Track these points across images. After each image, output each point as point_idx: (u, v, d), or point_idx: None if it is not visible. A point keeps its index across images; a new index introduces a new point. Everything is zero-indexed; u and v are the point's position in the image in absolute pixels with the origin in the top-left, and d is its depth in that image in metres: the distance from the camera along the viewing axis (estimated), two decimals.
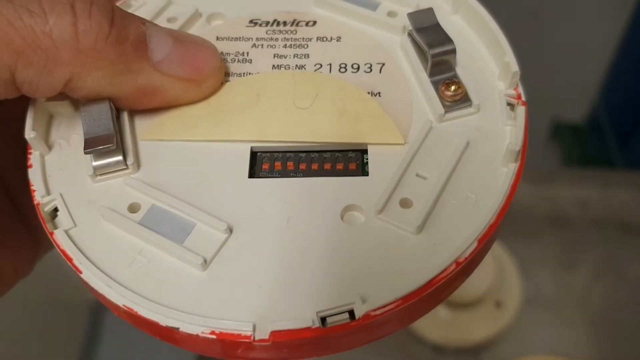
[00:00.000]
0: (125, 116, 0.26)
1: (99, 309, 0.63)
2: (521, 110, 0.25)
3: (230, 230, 0.24)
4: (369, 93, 0.27)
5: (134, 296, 0.22)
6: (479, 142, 0.25)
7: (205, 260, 0.23)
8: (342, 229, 0.24)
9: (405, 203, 0.24)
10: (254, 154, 0.26)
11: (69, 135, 0.26)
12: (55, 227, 0.24)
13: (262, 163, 0.26)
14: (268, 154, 0.26)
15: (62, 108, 0.26)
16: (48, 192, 0.25)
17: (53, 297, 0.56)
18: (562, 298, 0.64)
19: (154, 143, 0.26)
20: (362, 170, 0.26)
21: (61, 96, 0.25)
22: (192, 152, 0.26)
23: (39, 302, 0.54)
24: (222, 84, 0.27)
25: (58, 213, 0.25)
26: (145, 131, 0.26)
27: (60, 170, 0.26)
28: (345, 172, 0.25)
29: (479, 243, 0.23)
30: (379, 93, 0.27)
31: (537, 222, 0.67)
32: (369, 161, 0.25)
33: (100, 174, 0.25)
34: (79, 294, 0.58)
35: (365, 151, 0.26)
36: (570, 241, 0.67)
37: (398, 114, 0.26)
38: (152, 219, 0.24)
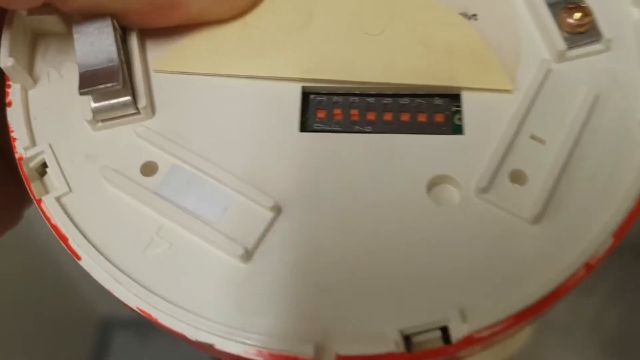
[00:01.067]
0: (134, 39, 0.19)
1: (107, 326, 0.57)
2: None
3: (278, 208, 0.17)
4: (463, 15, 0.20)
5: (151, 296, 0.17)
6: (610, 94, 0.19)
7: (246, 250, 0.17)
8: (430, 210, 0.18)
9: (517, 177, 0.18)
10: (305, 96, 0.19)
11: (61, 62, 0.20)
12: (44, 192, 0.18)
13: (316, 110, 0.19)
14: (325, 98, 0.19)
15: (50, 24, 0.20)
16: (33, 142, 0.19)
17: (58, 311, 0.51)
18: (576, 322, 0.60)
19: (173, 77, 0.19)
20: (452, 125, 0.19)
21: (48, 8, 0.19)
22: (223, 91, 0.19)
23: (42, 318, 0.49)
24: None
25: (47, 170, 0.18)
26: (161, 60, 0.20)
27: (48, 110, 0.19)
28: (430, 127, 0.19)
29: (615, 238, 0.17)
30: (474, 16, 0.20)
31: None
32: (464, 113, 0.19)
33: (103, 120, 0.19)
34: (87, 307, 0.53)
35: (456, 98, 0.19)
36: None
37: (501, 47, 0.20)
38: (174, 186, 0.18)
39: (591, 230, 0.17)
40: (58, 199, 0.18)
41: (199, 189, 0.18)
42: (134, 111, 0.18)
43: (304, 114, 0.19)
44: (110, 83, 0.17)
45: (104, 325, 0.56)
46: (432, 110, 0.19)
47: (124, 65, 0.18)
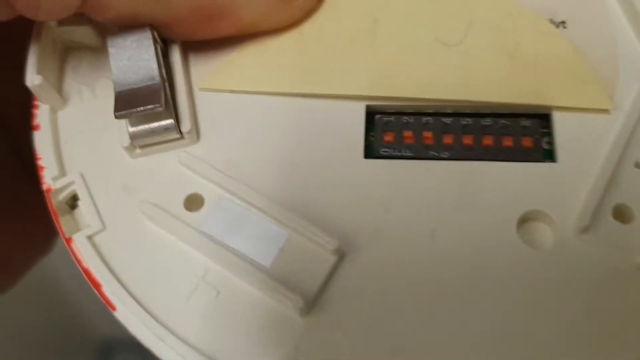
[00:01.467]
0: (176, 53, 0.17)
1: (108, 347, 0.54)
2: None
3: (342, 250, 0.15)
4: (550, 22, 0.17)
5: (198, 357, 0.14)
6: None
7: (306, 301, 0.14)
8: (519, 253, 0.15)
9: (621, 213, 0.15)
10: (370, 116, 0.17)
11: (95, 78, 0.18)
12: (75, 229, 0.16)
13: (383, 132, 0.17)
14: (392, 118, 0.17)
15: (83, 37, 0.18)
16: (63, 172, 0.17)
17: (59, 331, 0.48)
18: None
19: (220, 96, 0.17)
20: (542, 150, 0.16)
21: (80, 18, 0.17)
22: (275, 112, 0.17)
23: (43, 338, 0.47)
24: (322, 2, 0.18)
25: (79, 203, 0.16)
26: (207, 78, 0.17)
27: (81, 134, 0.17)
28: (517, 153, 0.16)
29: None
30: (563, 23, 0.17)
31: None
32: (556, 137, 0.16)
33: (142, 146, 0.16)
34: (88, 328, 0.50)
35: (545, 118, 0.16)
36: None
37: (596, 58, 0.17)
38: (222, 222, 0.16)
39: None
40: (90, 238, 0.16)
41: (250, 226, 0.15)
42: (177, 136, 0.16)
43: (369, 137, 0.17)
44: (151, 105, 0.15)
45: (105, 346, 0.53)
46: (519, 132, 0.17)
47: (166, 84, 0.16)
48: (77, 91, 0.18)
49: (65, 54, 0.18)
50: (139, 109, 0.15)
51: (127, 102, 0.15)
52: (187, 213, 0.16)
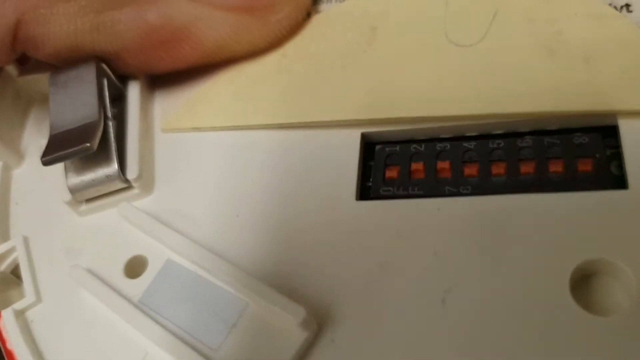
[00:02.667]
0: (135, 90, 0.14)
1: None
2: None
3: (316, 324, 0.11)
4: (610, 6, 0.13)
5: None
6: None
7: None
8: (578, 323, 0.10)
9: None
10: (369, 147, 0.13)
11: None
12: (6, 303, 0.13)
13: (385, 165, 0.13)
14: (397, 147, 0.13)
15: (42, 86, 0.15)
16: (7, 236, 0.14)
17: None
18: None
19: (186, 137, 0.14)
20: (607, 174, 0.11)
21: (40, 66, 0.15)
22: (250, 151, 0.13)
23: None
24: (309, 15, 0.14)
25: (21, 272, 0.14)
26: (173, 116, 0.14)
27: (32, 192, 0.15)
28: (571, 182, 0.12)
29: None
30: (627, 6, 0.13)
31: None
32: (626, 154, 0.11)
33: (88, 200, 0.13)
34: None
35: (612, 130, 0.12)
36: None
37: None
38: (166, 291, 0.12)
39: None
40: (21, 313, 0.13)
41: (198, 295, 0.12)
42: (123, 185, 0.13)
43: (365, 173, 0.13)
44: (78, 146, 0.12)
45: None
46: (573, 153, 0.12)
47: (109, 123, 0.13)
48: (37, 147, 0.15)
49: (27, 108, 0.16)
50: (67, 151, 0.12)
51: (59, 145, 0.13)
52: (126, 280, 0.12)
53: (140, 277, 0.12)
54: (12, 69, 0.15)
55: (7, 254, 0.14)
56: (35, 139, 0.15)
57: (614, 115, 0.12)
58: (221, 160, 0.13)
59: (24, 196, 0.15)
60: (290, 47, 0.14)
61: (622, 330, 0.10)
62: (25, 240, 0.14)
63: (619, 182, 0.11)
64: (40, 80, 0.15)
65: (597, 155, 0.12)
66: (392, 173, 0.13)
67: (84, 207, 0.14)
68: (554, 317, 0.10)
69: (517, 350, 0.10)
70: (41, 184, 0.15)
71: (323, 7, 0.15)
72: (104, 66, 0.14)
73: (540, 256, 0.11)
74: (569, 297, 0.10)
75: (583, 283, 0.11)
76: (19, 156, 0.15)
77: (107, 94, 0.13)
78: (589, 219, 0.11)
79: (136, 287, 0.12)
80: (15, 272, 0.14)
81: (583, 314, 0.10)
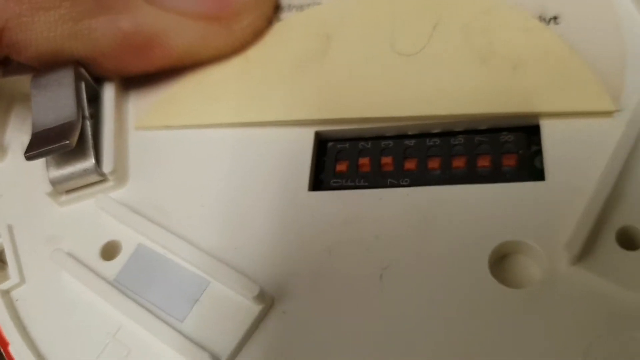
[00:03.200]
0: (110, 91, 0.16)
1: None
2: None
3: (270, 297, 0.12)
4: (539, 19, 0.14)
5: None
6: None
7: None
8: (495, 295, 0.12)
9: (628, 238, 0.11)
10: (321, 144, 0.14)
11: None
12: None
13: (335, 160, 0.14)
14: (347, 144, 0.14)
15: (23, 86, 0.16)
16: None
17: None
18: None
19: (157, 134, 0.15)
20: (529, 167, 0.13)
21: (22, 67, 0.16)
22: (215, 147, 0.15)
23: None
24: (270, 23, 0.16)
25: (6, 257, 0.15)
26: (144, 115, 0.16)
27: (16, 185, 0.16)
28: (497, 175, 0.13)
29: None
30: (555, 18, 0.14)
31: None
32: (545, 150, 0.13)
33: (67, 191, 0.15)
34: None
35: (534, 130, 0.13)
36: None
37: (597, 54, 0.14)
38: (137, 272, 0.13)
39: None
40: (6, 293, 0.14)
41: (168, 275, 0.13)
42: (99, 178, 0.14)
43: (319, 166, 0.14)
44: (60, 142, 0.14)
45: None
46: (499, 150, 0.13)
47: (87, 122, 0.15)
48: (20, 143, 0.16)
49: (10, 105, 0.17)
50: (47, 147, 0.14)
51: (41, 142, 0.14)
52: (102, 262, 0.14)
53: (115, 260, 0.14)
54: None
55: None
56: (17, 135, 0.17)
57: (536, 116, 0.13)
58: (188, 156, 0.15)
59: (8, 188, 0.16)
60: (253, 52, 0.16)
61: (535, 299, 0.11)
62: (10, 228, 0.15)
63: (539, 174, 0.13)
64: (21, 81, 0.16)
65: (520, 152, 0.13)
66: (341, 167, 0.14)
67: (64, 197, 0.15)
68: (475, 290, 0.12)
69: (443, 317, 0.12)
70: (24, 177, 0.16)
71: (284, 15, 0.16)
72: (82, 70, 0.15)
73: (465, 238, 0.12)
74: (488, 272, 0.12)
75: (502, 261, 0.12)
76: (2, 151, 0.16)
77: (84, 95, 0.15)
78: (508, 206, 0.12)
79: (111, 268, 0.14)
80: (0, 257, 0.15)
81: (500, 288, 0.12)
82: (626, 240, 0.11)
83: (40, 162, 0.15)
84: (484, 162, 0.13)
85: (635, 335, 0.11)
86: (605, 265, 0.11)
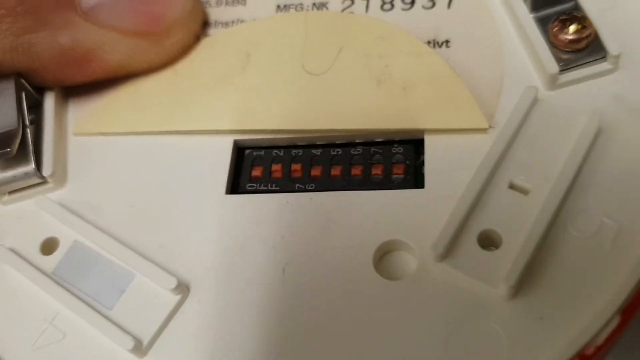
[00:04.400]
0: (51, 99, 0.17)
1: None
2: None
3: (186, 288, 0.14)
4: (429, 43, 0.16)
5: None
6: (619, 124, 0.15)
7: (140, 343, 0.14)
8: (376, 286, 0.14)
9: (488, 239, 0.14)
10: (239, 151, 0.16)
11: None
12: None
13: (251, 166, 0.16)
14: (262, 152, 0.16)
15: None
16: None
17: None
18: None
19: (93, 140, 0.17)
20: (414, 177, 0.15)
21: None
22: (145, 153, 0.17)
23: None
24: (198, 39, 0.18)
25: None
26: (82, 121, 0.17)
27: None
28: (387, 182, 0.15)
29: (623, 317, 0.12)
30: (447, 42, 0.16)
31: None
32: (427, 162, 0.15)
33: (9, 192, 0.16)
34: None
35: (419, 143, 0.15)
36: None
37: (478, 76, 0.16)
38: (73, 265, 0.15)
39: (589, 306, 0.13)
40: None
41: (99, 268, 0.15)
42: (39, 180, 0.16)
43: (236, 171, 0.16)
44: (1, 150, 0.15)
45: None
46: (390, 160, 0.16)
47: (27, 130, 0.16)
48: None
49: None
50: None
51: None
52: (41, 257, 0.15)
53: (53, 254, 0.15)
54: None
55: None
56: None
57: (422, 132, 0.15)
58: (121, 160, 0.16)
59: None
60: (181, 66, 0.17)
61: (407, 290, 0.13)
62: None
63: (422, 182, 0.15)
64: None
65: (408, 162, 0.15)
66: (256, 172, 0.16)
67: (6, 197, 0.16)
68: (359, 280, 0.14)
69: (334, 308, 0.14)
70: None
71: (211, 31, 0.18)
72: (22, 80, 0.16)
73: (356, 236, 0.14)
74: (371, 265, 0.14)
75: (386, 256, 0.14)
76: None
77: (24, 105, 0.16)
78: (393, 209, 0.15)
79: (50, 262, 0.15)
80: None
81: (379, 278, 0.14)
82: (486, 242, 0.14)
83: None
84: (377, 171, 0.15)
85: (490, 324, 0.13)
86: (467, 263, 0.13)
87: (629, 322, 0.13)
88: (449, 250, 0.13)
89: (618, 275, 0.13)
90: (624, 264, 0.13)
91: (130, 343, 0.13)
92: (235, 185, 0.16)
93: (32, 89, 0.17)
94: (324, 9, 0.18)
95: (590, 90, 0.15)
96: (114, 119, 0.17)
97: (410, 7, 0.17)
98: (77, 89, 0.18)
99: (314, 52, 0.16)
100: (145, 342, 0.14)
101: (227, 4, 0.18)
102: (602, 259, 0.13)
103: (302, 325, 0.14)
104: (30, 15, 0.15)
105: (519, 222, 0.13)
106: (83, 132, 0.17)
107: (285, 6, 0.18)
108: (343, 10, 0.17)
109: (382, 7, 0.17)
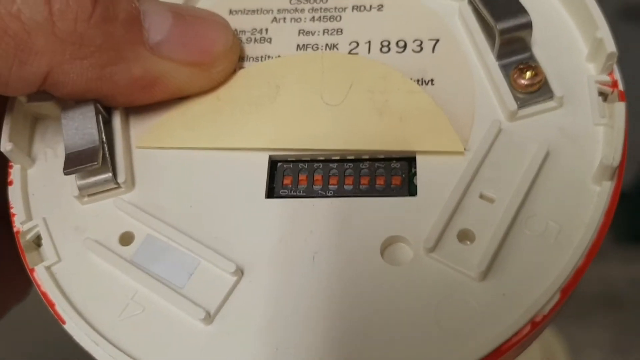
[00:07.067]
0: (117, 118, 0.21)
1: None
2: (620, 106, 0.19)
3: (240, 271, 0.19)
4: (418, 81, 0.21)
5: (126, 358, 0.18)
6: (562, 150, 0.20)
7: (208, 313, 0.18)
8: (382, 270, 0.19)
9: (465, 236, 0.19)
10: (273, 164, 0.21)
11: (57, 142, 0.22)
12: (39, 262, 0.20)
13: (283, 176, 0.21)
14: (291, 165, 0.21)
15: (47, 109, 0.22)
16: (30, 217, 0.21)
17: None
18: None
19: (153, 152, 0.21)
20: (408, 187, 0.20)
21: (44, 95, 0.21)
22: (197, 163, 0.21)
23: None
24: (236, 70, 0.22)
25: (42, 242, 0.21)
26: (142, 137, 0.21)
27: (45, 187, 0.21)
28: (387, 190, 0.20)
29: (562, 294, 0.18)
30: (432, 81, 0.21)
31: (589, 303, 0.60)
32: (418, 176, 0.20)
33: (89, 195, 0.20)
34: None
35: (412, 161, 0.20)
36: (625, 323, 0.61)
37: (456, 110, 0.20)
38: (148, 254, 0.20)
39: (538, 286, 0.18)
40: (48, 268, 0.20)
41: (169, 256, 0.19)
42: (114, 186, 0.20)
43: (272, 180, 0.21)
44: (90, 163, 0.19)
45: None
46: (390, 173, 0.20)
47: (105, 146, 0.20)
48: (43, 153, 0.22)
49: (34, 124, 0.22)
50: (81, 166, 0.19)
51: (74, 162, 0.20)
52: (121, 247, 0.20)
53: (131, 245, 0.20)
54: (22, 97, 0.22)
55: (31, 229, 0.21)
56: (41, 147, 0.22)
57: (413, 152, 0.20)
58: (178, 170, 0.21)
59: (38, 189, 0.21)
60: (222, 92, 0.22)
61: (405, 273, 0.18)
62: (44, 220, 0.21)
63: (414, 191, 0.20)
64: (41, 106, 0.22)
65: (403, 175, 0.20)
66: (287, 181, 0.21)
67: (86, 199, 0.21)
68: (370, 266, 0.18)
69: (351, 286, 0.18)
70: (50, 181, 0.21)
71: (245, 64, 0.22)
72: (98, 105, 0.20)
73: (367, 232, 0.19)
74: (378, 254, 0.19)
75: (389, 247, 0.19)
76: (31, 160, 0.22)
77: (102, 125, 0.20)
78: (394, 212, 0.19)
79: (128, 251, 0.19)
80: (35, 242, 0.21)
81: (385, 265, 0.19)
82: (463, 238, 0.19)
83: (60, 170, 0.21)
84: (380, 182, 0.20)
85: (466, 298, 0.18)
86: (449, 254, 0.18)
87: (566, 298, 0.18)
88: (436, 244, 0.18)
89: (559, 264, 0.18)
90: (563, 256, 0.18)
91: (202, 313, 0.18)
92: (271, 191, 0.20)
93: (104, 112, 0.21)
94: (335, 49, 0.22)
95: (540, 123, 0.20)
96: (169, 135, 0.21)
97: (403, 51, 0.22)
98: (135, 109, 0.22)
99: (330, 87, 0.21)
100: (212, 312, 0.18)
101: (255, 41, 0.23)
102: (548, 251, 0.18)
103: (328, 298, 0.18)
104: (112, 51, 0.19)
105: (487, 223, 0.19)
106: (144, 146, 0.21)
107: (304, 45, 0.22)
108: (350, 51, 0.22)
109: (380, 50, 0.22)
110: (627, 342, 0.60)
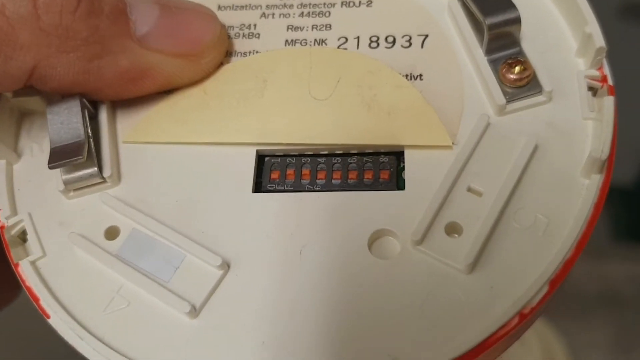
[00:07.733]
0: (104, 113, 0.21)
1: None
2: (609, 100, 0.19)
3: (227, 265, 0.19)
4: (407, 76, 0.21)
5: (109, 352, 0.18)
6: (551, 143, 0.19)
7: (194, 307, 0.18)
8: (370, 264, 0.18)
9: (452, 229, 0.18)
10: (261, 159, 0.21)
11: (43, 137, 0.22)
12: (24, 257, 0.20)
13: (270, 170, 0.21)
14: (279, 159, 0.21)
15: (33, 104, 0.22)
16: (15, 212, 0.21)
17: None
18: None
19: (139, 147, 0.21)
20: (396, 181, 0.20)
21: (30, 90, 0.21)
22: (183, 158, 0.21)
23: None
24: (223, 64, 0.22)
25: (28, 237, 0.20)
26: (129, 132, 0.21)
27: (30, 182, 0.21)
28: (376, 185, 0.20)
29: (551, 286, 0.17)
30: (420, 76, 0.21)
31: (589, 302, 0.60)
32: (406, 170, 0.20)
33: (75, 189, 0.20)
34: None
35: (400, 155, 0.20)
36: (625, 322, 0.60)
37: (445, 104, 0.20)
38: (133, 248, 0.19)
39: (526, 279, 0.18)
40: (33, 263, 0.20)
41: (155, 250, 0.19)
42: (100, 180, 0.20)
43: (259, 175, 0.21)
44: (75, 157, 0.19)
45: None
46: (378, 167, 0.20)
47: (90, 140, 0.20)
48: (29, 148, 0.22)
49: (20, 119, 0.22)
50: (66, 160, 0.19)
51: (59, 156, 0.19)
52: (106, 242, 0.20)
53: (116, 240, 0.19)
54: (8, 93, 0.22)
55: (16, 224, 0.20)
56: (27, 142, 0.22)
57: (402, 147, 0.20)
58: (164, 164, 0.20)
59: (24, 184, 0.21)
60: (210, 86, 0.21)
61: (393, 266, 0.18)
62: (30, 215, 0.20)
63: (402, 185, 0.20)
64: (27, 101, 0.22)
65: (392, 169, 0.20)
66: (274, 175, 0.20)
67: (71, 193, 0.20)
68: (357, 259, 0.18)
69: (339, 280, 0.18)
70: (36, 176, 0.21)
71: (232, 59, 0.22)
72: (84, 100, 0.20)
73: (354, 225, 0.19)
74: (366, 247, 0.18)
75: (377, 240, 0.19)
76: (17, 155, 0.22)
77: (87, 120, 0.20)
78: (382, 206, 0.19)
79: (113, 245, 0.19)
80: (20, 237, 0.21)
81: (372, 259, 0.18)
82: (451, 231, 0.18)
83: (45, 165, 0.21)
84: (368, 176, 0.20)
85: (454, 290, 0.18)
86: (437, 246, 0.18)
87: (554, 291, 0.18)
88: (424, 237, 0.18)
89: (547, 256, 0.18)
90: (551, 248, 0.18)
91: (187, 307, 0.18)
92: (259, 185, 0.20)
93: (90, 106, 0.21)
94: (324, 44, 0.22)
95: (529, 117, 0.20)
96: (156, 130, 0.21)
97: (392, 46, 0.22)
98: (122, 103, 0.22)
99: (318, 82, 0.21)
100: (197, 306, 0.18)
101: (244, 37, 0.23)
102: (536, 244, 0.18)
103: (315, 292, 0.18)
104: (98, 44, 0.19)
105: (475, 216, 0.18)
106: (131, 141, 0.21)
107: (292, 40, 0.22)
108: (339, 47, 0.22)
109: (369, 45, 0.22)
110: (627, 342, 0.60)
